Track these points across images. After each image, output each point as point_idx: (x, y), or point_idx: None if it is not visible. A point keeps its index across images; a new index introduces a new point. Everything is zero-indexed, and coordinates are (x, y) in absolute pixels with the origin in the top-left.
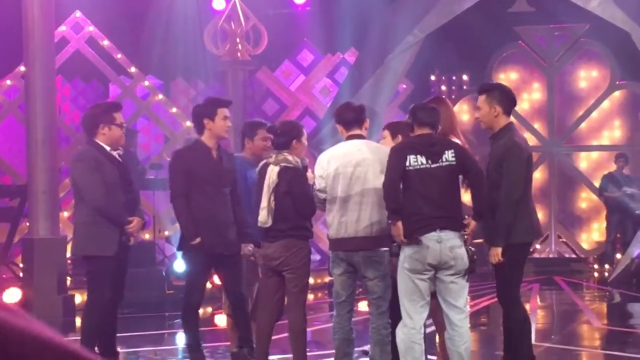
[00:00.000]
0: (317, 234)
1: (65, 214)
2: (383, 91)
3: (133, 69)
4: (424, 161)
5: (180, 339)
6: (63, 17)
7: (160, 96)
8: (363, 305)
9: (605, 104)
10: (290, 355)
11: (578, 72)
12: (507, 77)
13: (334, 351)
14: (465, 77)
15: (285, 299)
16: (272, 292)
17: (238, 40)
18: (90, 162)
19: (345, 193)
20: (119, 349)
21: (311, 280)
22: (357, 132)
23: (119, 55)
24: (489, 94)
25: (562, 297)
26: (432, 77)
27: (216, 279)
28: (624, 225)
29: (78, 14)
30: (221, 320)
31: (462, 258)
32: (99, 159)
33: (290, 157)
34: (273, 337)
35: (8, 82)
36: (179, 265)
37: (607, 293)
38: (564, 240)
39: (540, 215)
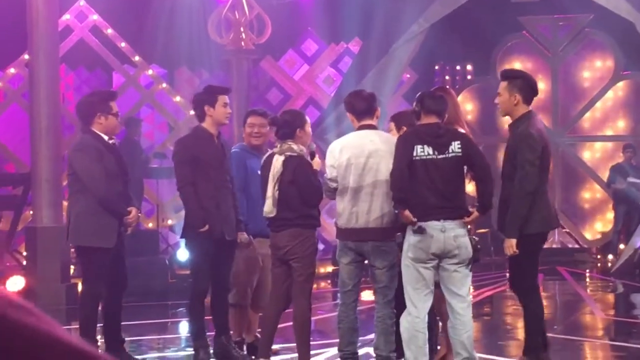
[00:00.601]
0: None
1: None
2: (387, 81)
3: (137, 58)
4: (431, 152)
5: (183, 327)
6: (67, 6)
7: (164, 85)
8: (366, 295)
9: (610, 94)
10: (294, 344)
11: (582, 63)
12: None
13: (337, 340)
14: (469, 67)
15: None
16: (280, 281)
17: (242, 29)
18: (92, 151)
19: (356, 183)
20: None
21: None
22: (368, 122)
23: (122, 44)
24: (511, 81)
25: (565, 288)
26: (436, 67)
27: None
28: (631, 215)
29: (82, 2)
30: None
31: (465, 247)
32: (99, 148)
33: (294, 146)
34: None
35: (12, 70)
36: (182, 254)
37: (610, 283)
38: (567, 230)
39: None
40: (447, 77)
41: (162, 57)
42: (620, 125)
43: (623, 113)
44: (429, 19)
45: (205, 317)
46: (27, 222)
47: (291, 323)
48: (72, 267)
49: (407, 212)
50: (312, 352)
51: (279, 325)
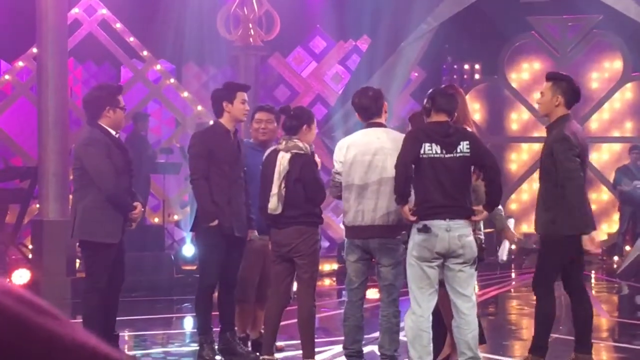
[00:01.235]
0: (326, 221)
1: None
2: (395, 79)
3: (145, 53)
4: (439, 150)
5: (188, 322)
6: (76, 0)
7: (172, 80)
8: (371, 293)
9: (618, 95)
10: (299, 342)
11: (591, 63)
12: (519, 66)
13: (342, 338)
14: (477, 66)
15: (295, 285)
16: (281, 278)
17: (250, 25)
18: (100, 146)
19: (362, 181)
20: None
21: (320, 267)
22: (377, 120)
23: (131, 39)
24: (556, 82)
25: None
26: (445, 66)
27: None
28: (636, 217)
29: None
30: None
31: (470, 247)
32: (107, 143)
33: (300, 144)
34: (282, 323)
35: (20, 63)
36: (188, 249)
37: (616, 285)
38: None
39: None
40: (455, 76)
41: (170, 53)
42: (628, 126)
43: (631, 114)
44: (438, 18)
45: (212, 313)
46: (33, 215)
47: (296, 320)
48: (77, 261)
49: (406, 209)
50: (317, 350)
51: (284, 323)
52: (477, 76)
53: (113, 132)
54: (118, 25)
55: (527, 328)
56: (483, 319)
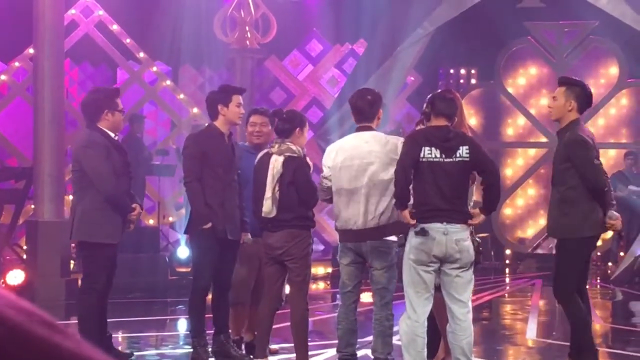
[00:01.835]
0: (321, 224)
1: (71, 197)
2: (391, 83)
3: (142, 55)
4: (438, 155)
5: (183, 324)
6: (73, 1)
7: (168, 82)
8: (365, 297)
9: (613, 101)
10: (292, 345)
11: (587, 69)
12: (515, 72)
13: (335, 341)
14: (473, 71)
15: (288, 289)
16: (272, 280)
17: (247, 28)
18: (100, 148)
19: (351, 185)
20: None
21: (314, 270)
22: (367, 124)
23: (127, 40)
24: (569, 87)
25: None
26: (441, 70)
27: None
28: (631, 223)
29: None
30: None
31: (467, 251)
32: (107, 145)
33: (293, 147)
34: (275, 326)
35: (16, 64)
36: (183, 251)
37: (610, 291)
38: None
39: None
40: (451, 81)
41: (166, 55)
42: (623, 132)
43: (626, 121)
44: (435, 22)
45: (206, 315)
46: (28, 216)
47: (289, 323)
48: (72, 262)
49: (406, 213)
50: (310, 353)
51: (278, 325)
52: (473, 81)
53: (112, 135)
54: (115, 27)
55: (520, 333)
56: (477, 323)
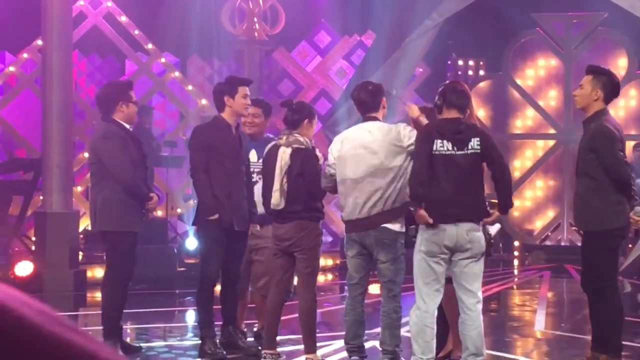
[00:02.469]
0: (329, 215)
1: (79, 188)
2: (399, 74)
3: (150, 46)
4: (450, 147)
5: (191, 316)
6: None
7: (176, 73)
8: (373, 289)
9: (622, 93)
10: (300, 336)
11: (595, 61)
12: (524, 64)
13: (343, 333)
14: (481, 63)
15: (296, 280)
16: (281, 272)
17: (255, 19)
18: (119, 140)
19: (356, 175)
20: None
21: (322, 262)
22: (372, 114)
23: (136, 32)
24: (596, 76)
25: (572, 286)
26: (449, 62)
27: None
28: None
29: None
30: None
31: (479, 241)
32: (124, 136)
33: (301, 139)
34: (283, 318)
35: (25, 55)
36: (191, 242)
37: (618, 283)
38: (576, 228)
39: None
40: (459, 73)
41: (174, 46)
42: (632, 124)
43: (635, 112)
44: (443, 14)
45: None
46: (36, 207)
47: (297, 315)
48: (80, 253)
49: (422, 212)
50: (318, 344)
51: (285, 317)
52: (481, 72)
53: (127, 126)
54: (123, 18)
55: (529, 325)
56: (485, 315)
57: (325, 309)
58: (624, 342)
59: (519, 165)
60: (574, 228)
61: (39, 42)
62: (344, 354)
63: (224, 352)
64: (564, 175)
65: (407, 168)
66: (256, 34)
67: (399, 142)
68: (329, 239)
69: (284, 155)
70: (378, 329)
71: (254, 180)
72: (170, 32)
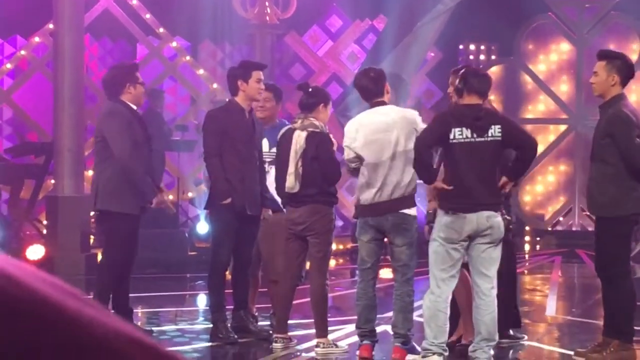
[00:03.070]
0: (340, 200)
1: (90, 172)
2: (411, 59)
3: (161, 30)
4: (469, 134)
5: (202, 300)
6: None
7: (188, 58)
8: (384, 273)
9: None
10: (311, 320)
11: (608, 46)
12: (535, 48)
13: (355, 317)
14: (493, 47)
15: (308, 264)
16: (294, 256)
17: (267, 3)
18: (123, 119)
19: (376, 159)
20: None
21: (333, 247)
22: (379, 99)
23: (147, 16)
24: (610, 61)
25: (584, 271)
26: (461, 46)
27: None
28: None
29: None
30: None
31: (498, 227)
32: (129, 116)
33: (316, 122)
34: (294, 302)
35: (36, 39)
36: (202, 227)
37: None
38: (588, 213)
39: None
40: (471, 57)
41: (186, 30)
42: None
43: None
44: None
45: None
46: (48, 191)
47: (309, 299)
48: (92, 237)
49: (437, 183)
50: (330, 329)
51: (297, 301)
52: (493, 57)
53: (134, 107)
54: (134, 2)
55: (540, 310)
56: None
57: (336, 293)
58: (636, 328)
59: None
60: (585, 214)
61: (51, 25)
62: (355, 338)
63: (235, 336)
64: (576, 160)
65: None
66: (268, 18)
67: (415, 125)
68: (340, 223)
69: (299, 138)
70: (389, 314)
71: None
72: (181, 16)
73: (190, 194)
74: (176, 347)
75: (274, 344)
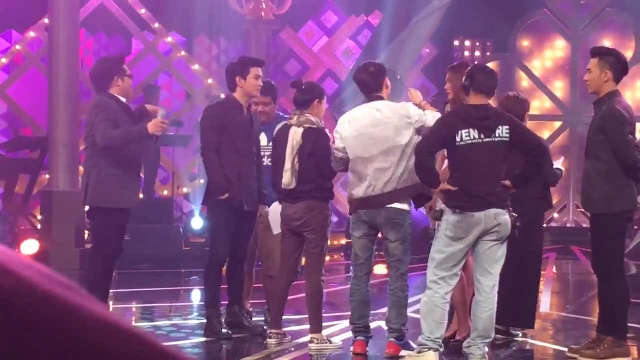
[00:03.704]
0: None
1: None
2: (406, 55)
3: (156, 25)
4: (476, 135)
5: (196, 295)
6: None
7: (183, 53)
8: (378, 269)
9: (630, 76)
10: (306, 316)
11: (603, 42)
12: (530, 45)
13: (349, 313)
14: (489, 44)
15: (304, 260)
16: (290, 253)
17: None
18: (110, 110)
19: (368, 153)
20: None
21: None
22: (377, 94)
23: (143, 11)
24: (603, 58)
25: (578, 267)
26: (456, 43)
27: None
28: None
29: None
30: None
31: (506, 224)
32: (116, 109)
33: (313, 119)
34: (290, 298)
35: (32, 34)
36: (197, 222)
37: (624, 264)
38: (582, 210)
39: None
40: (466, 53)
41: (181, 25)
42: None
43: None
44: None
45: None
46: (43, 186)
47: (304, 295)
48: (86, 232)
49: (442, 186)
50: (324, 325)
51: (292, 297)
52: (488, 54)
53: (124, 100)
54: None
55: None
56: None
57: (331, 289)
58: (629, 324)
59: None
60: (580, 210)
61: (46, 20)
62: (350, 334)
63: (230, 332)
64: (570, 157)
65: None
66: (263, 13)
67: (408, 118)
68: (335, 219)
69: (295, 135)
70: (383, 310)
71: (264, 164)
72: (176, 12)
73: (185, 189)
74: (171, 342)
75: (268, 339)
